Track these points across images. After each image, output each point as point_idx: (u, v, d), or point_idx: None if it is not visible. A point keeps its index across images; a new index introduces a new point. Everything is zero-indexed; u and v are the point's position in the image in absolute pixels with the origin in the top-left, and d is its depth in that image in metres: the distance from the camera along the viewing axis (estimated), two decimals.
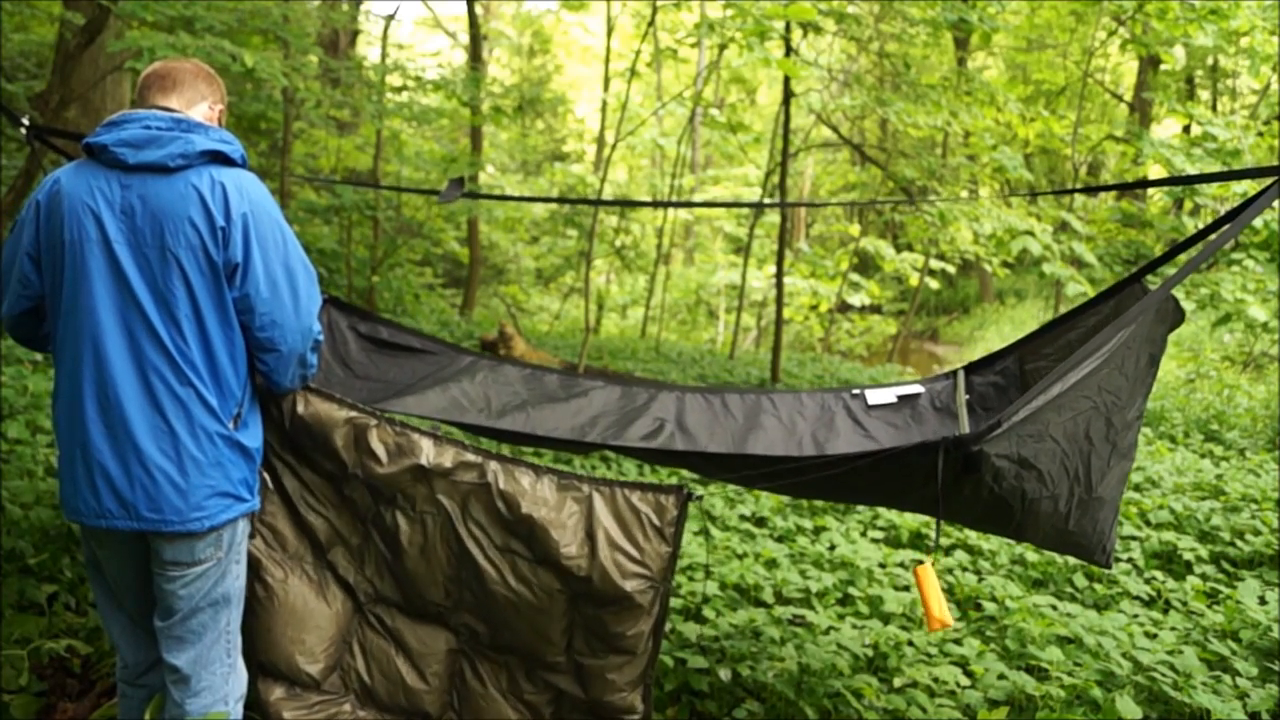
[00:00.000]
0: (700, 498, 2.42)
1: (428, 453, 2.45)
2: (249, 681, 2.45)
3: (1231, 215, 2.48)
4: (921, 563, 2.25)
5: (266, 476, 2.50)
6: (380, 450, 2.44)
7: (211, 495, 2.15)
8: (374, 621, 2.58)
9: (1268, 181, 2.38)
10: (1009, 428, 2.18)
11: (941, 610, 2.17)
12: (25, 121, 2.76)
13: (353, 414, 2.48)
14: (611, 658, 2.42)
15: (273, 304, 2.16)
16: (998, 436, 2.17)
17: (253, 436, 2.27)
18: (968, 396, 3.07)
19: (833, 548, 4.89)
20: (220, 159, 2.15)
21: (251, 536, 2.43)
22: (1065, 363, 2.28)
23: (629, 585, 2.34)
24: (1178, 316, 2.61)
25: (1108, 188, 3.12)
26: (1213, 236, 2.46)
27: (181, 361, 2.10)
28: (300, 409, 2.45)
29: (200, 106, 2.27)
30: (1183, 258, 2.93)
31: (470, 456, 2.45)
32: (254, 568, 2.48)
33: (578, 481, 2.43)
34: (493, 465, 2.44)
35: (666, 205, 3.42)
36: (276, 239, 2.18)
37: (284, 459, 2.51)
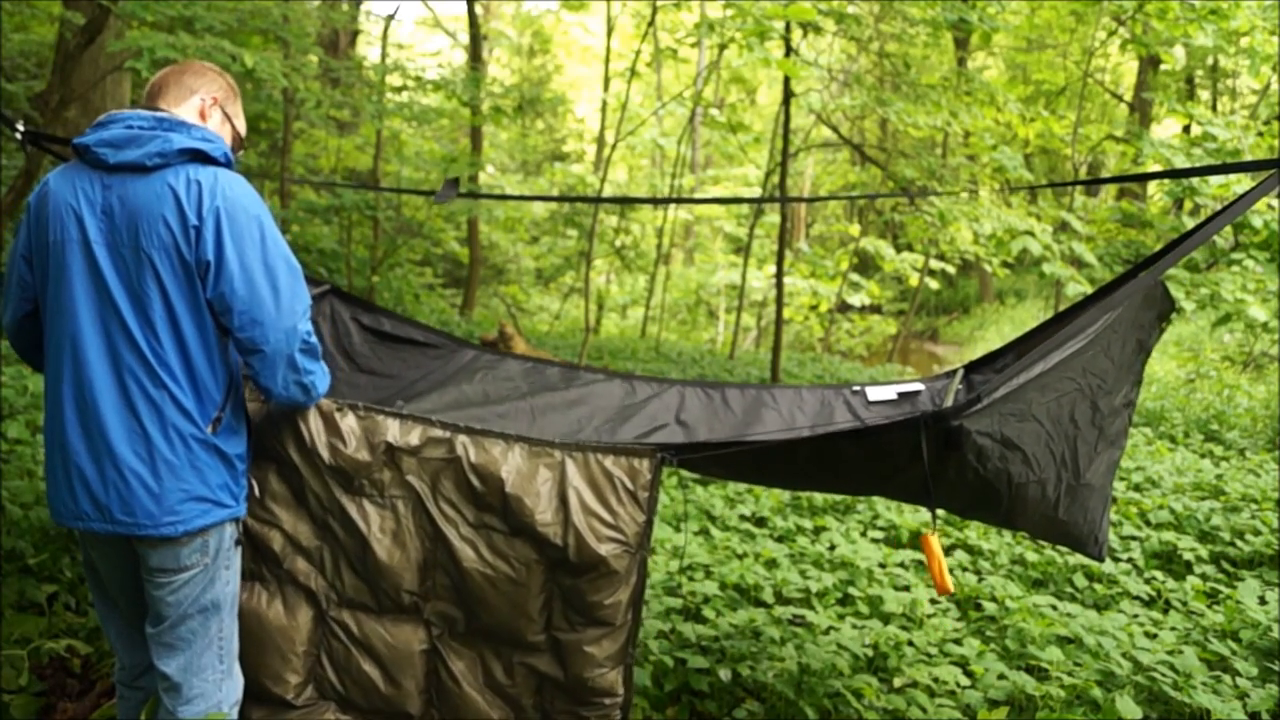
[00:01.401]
0: (674, 460, 2.40)
1: (394, 431, 2.42)
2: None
3: (1228, 206, 2.48)
4: (927, 534, 2.26)
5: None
6: (348, 433, 2.41)
7: (186, 500, 2.11)
8: (339, 631, 2.51)
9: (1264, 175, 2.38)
10: (990, 403, 2.18)
11: (944, 577, 2.21)
12: (20, 127, 2.76)
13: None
14: (590, 630, 2.39)
15: (251, 302, 2.09)
16: (978, 412, 2.17)
17: (234, 443, 2.22)
18: (960, 387, 3.07)
19: (833, 548, 4.89)
20: (200, 157, 2.11)
21: None
22: (1049, 342, 2.28)
23: (604, 550, 2.32)
24: (1167, 304, 2.60)
25: (1105, 180, 3.13)
26: (1208, 225, 2.47)
27: (156, 364, 2.07)
28: (265, 408, 2.41)
29: (191, 101, 2.24)
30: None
31: (438, 432, 2.42)
32: None
33: (549, 447, 2.40)
34: (461, 439, 2.41)
35: (665, 202, 3.42)
36: (253, 235, 2.10)
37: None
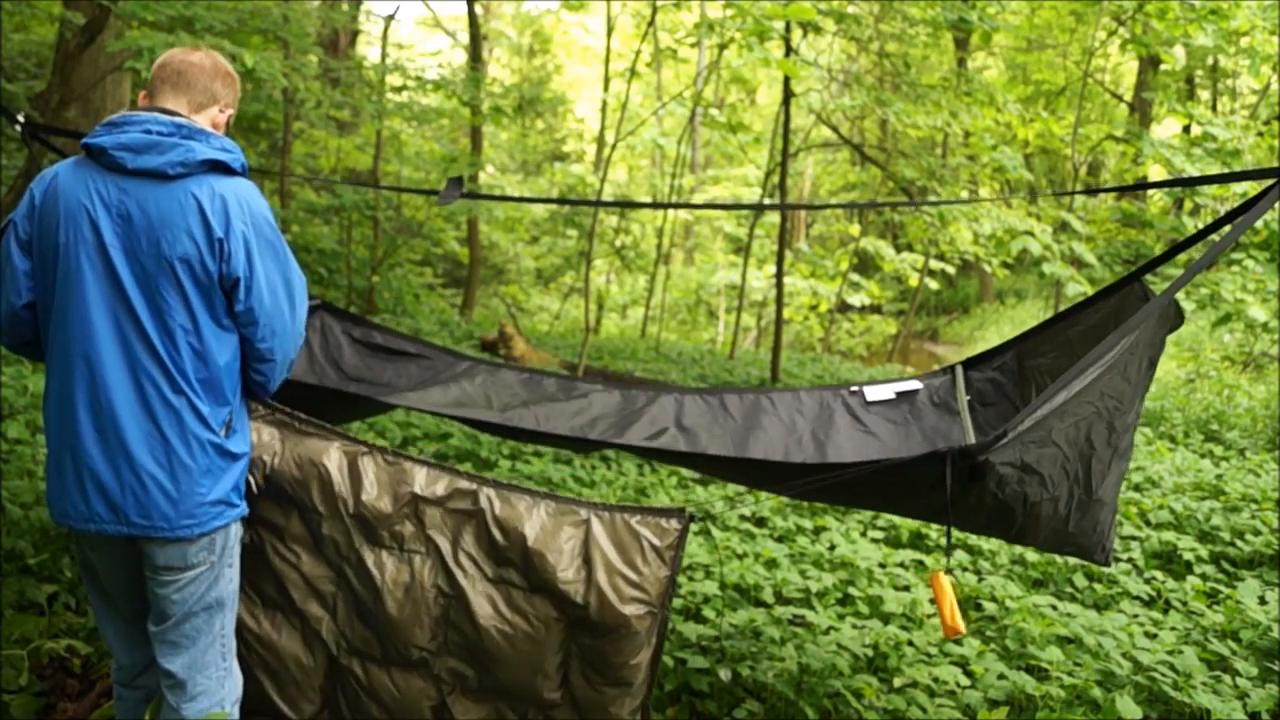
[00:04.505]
0: (704, 518, 2.38)
1: (420, 480, 2.39)
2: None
3: (1231, 217, 2.48)
4: (937, 573, 2.23)
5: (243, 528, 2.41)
6: (371, 478, 2.39)
7: (202, 503, 2.14)
8: (349, 676, 2.49)
9: (1268, 183, 2.38)
10: (1015, 436, 2.17)
11: (954, 618, 2.16)
12: (21, 119, 2.75)
13: (342, 441, 2.43)
14: (609, 690, 2.35)
15: (274, 315, 2.18)
16: (1004, 446, 2.16)
17: (241, 443, 2.25)
18: (968, 397, 3.06)
19: (833, 548, 4.89)
20: (220, 168, 2.13)
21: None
22: (1070, 370, 2.27)
23: (628, 610, 2.27)
24: (1178, 320, 2.61)
25: (1108, 189, 3.12)
26: (1214, 238, 2.46)
27: (174, 370, 2.09)
28: (288, 448, 2.40)
29: (210, 110, 2.25)
30: (1182, 258, 2.94)
31: (464, 483, 2.39)
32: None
33: (576, 506, 2.37)
34: (487, 491, 2.38)
35: (666, 206, 3.42)
36: (275, 250, 2.19)
37: (258, 509, 2.43)
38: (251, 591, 2.48)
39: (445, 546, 2.38)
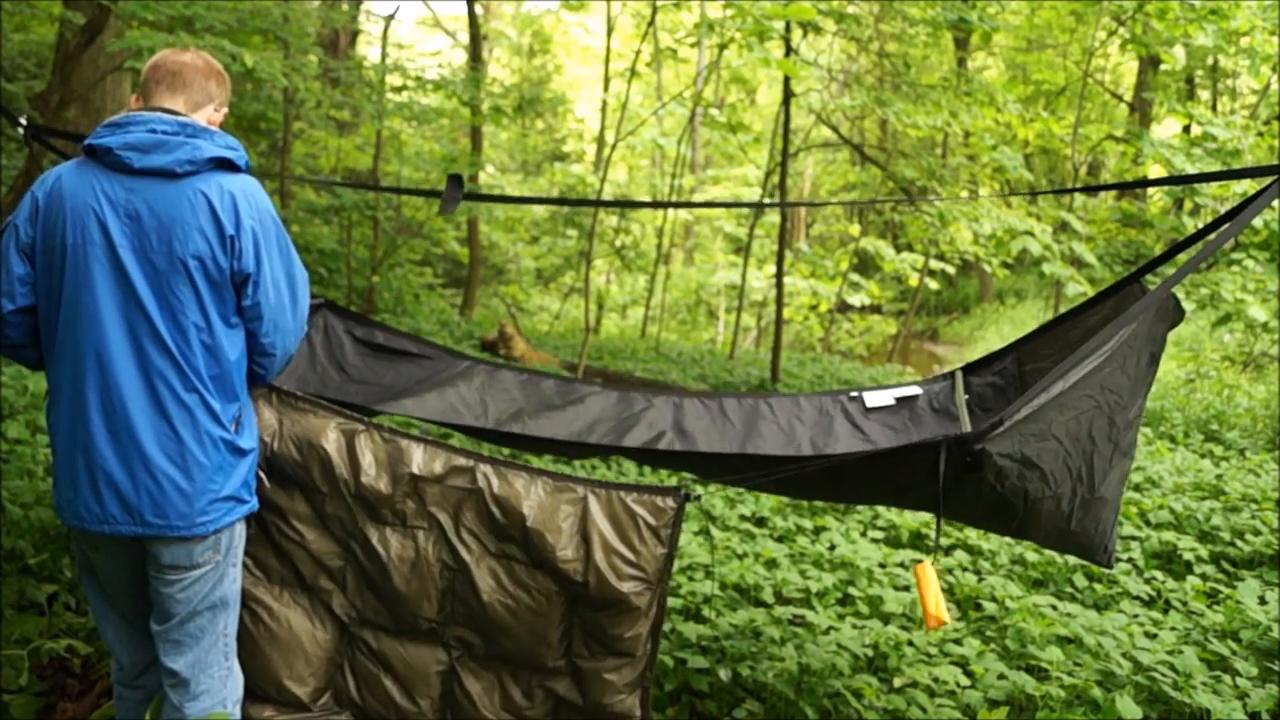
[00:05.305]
0: (699, 497, 2.40)
1: (417, 459, 2.41)
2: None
3: (1231, 214, 2.48)
4: (921, 561, 2.24)
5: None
6: (369, 458, 2.41)
7: (215, 500, 2.16)
8: (360, 646, 2.54)
9: (1267, 181, 2.38)
10: (1011, 426, 2.17)
11: (939, 608, 2.16)
12: (23, 121, 2.75)
13: (339, 419, 2.45)
14: (609, 659, 2.40)
15: (278, 310, 2.21)
16: (1000, 435, 2.16)
17: (250, 437, 2.28)
18: (966, 397, 3.06)
19: (833, 548, 4.89)
20: (226, 165, 2.15)
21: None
22: (1066, 361, 2.28)
23: (625, 588, 2.31)
24: (1178, 315, 2.61)
25: (1108, 187, 3.12)
26: (1212, 236, 2.46)
27: (186, 367, 2.10)
28: (286, 429, 2.42)
29: (206, 109, 2.26)
30: (1182, 257, 2.94)
31: (461, 461, 2.41)
32: (241, 597, 2.44)
33: (573, 483, 2.39)
34: (484, 469, 2.41)
35: (666, 206, 3.42)
36: (283, 247, 2.23)
37: (263, 488, 2.45)
38: (260, 570, 2.50)
39: (447, 522, 2.42)
